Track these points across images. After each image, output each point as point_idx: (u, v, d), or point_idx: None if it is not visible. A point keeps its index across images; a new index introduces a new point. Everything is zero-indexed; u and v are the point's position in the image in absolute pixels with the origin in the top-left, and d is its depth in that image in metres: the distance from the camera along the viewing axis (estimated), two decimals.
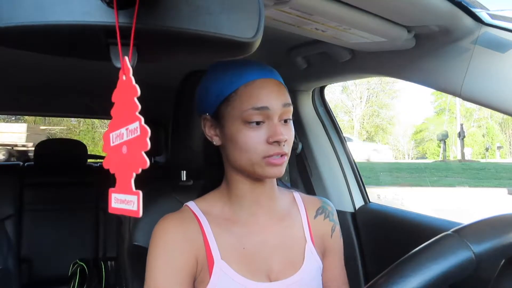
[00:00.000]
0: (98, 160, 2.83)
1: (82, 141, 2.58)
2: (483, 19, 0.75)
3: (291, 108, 0.72)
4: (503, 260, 0.44)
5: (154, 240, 0.71)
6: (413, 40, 0.83)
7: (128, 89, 0.37)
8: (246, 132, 0.68)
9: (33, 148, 5.60)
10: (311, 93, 1.39)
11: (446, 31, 0.76)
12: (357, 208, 1.34)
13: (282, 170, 0.70)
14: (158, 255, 0.70)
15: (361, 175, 1.40)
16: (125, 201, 0.37)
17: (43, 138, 4.75)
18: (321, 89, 1.42)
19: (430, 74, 0.83)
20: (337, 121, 1.44)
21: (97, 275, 1.89)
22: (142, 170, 0.36)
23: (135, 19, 0.35)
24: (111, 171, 0.39)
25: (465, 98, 0.77)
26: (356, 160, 1.41)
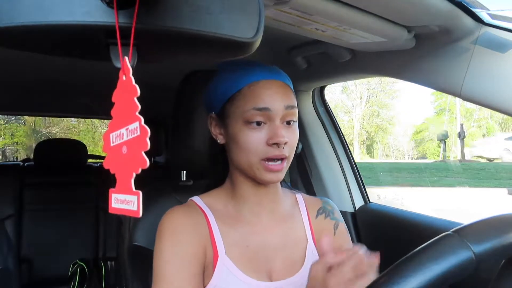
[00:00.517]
0: (98, 160, 2.83)
1: (82, 141, 2.58)
2: (483, 19, 0.75)
3: (295, 110, 0.71)
4: (503, 260, 0.44)
5: (162, 231, 0.71)
6: (413, 40, 0.83)
7: (128, 89, 0.37)
8: (247, 132, 0.69)
9: None
10: (311, 93, 1.39)
11: (446, 31, 0.76)
12: (357, 208, 1.34)
13: (280, 176, 0.70)
14: (167, 246, 0.69)
15: (361, 175, 1.40)
16: (125, 201, 0.37)
17: None
18: (321, 89, 1.42)
19: (430, 74, 0.83)
20: (337, 121, 1.44)
21: (97, 275, 1.89)
22: (142, 170, 0.36)
23: (135, 19, 0.35)
24: (111, 171, 0.39)
25: (465, 98, 0.77)
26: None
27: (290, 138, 0.70)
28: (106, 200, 0.39)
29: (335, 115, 1.45)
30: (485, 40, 0.74)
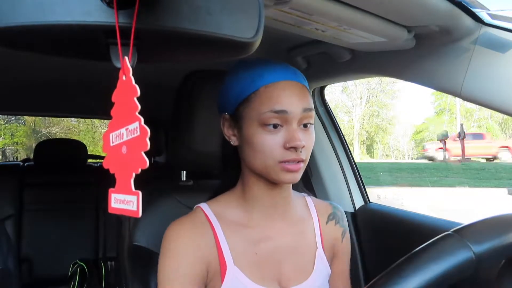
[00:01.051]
0: (98, 160, 2.83)
1: (82, 141, 2.58)
2: (483, 19, 0.74)
3: (313, 113, 0.69)
4: (503, 260, 0.44)
5: (165, 246, 0.69)
6: (413, 40, 0.83)
7: (128, 89, 0.37)
8: (262, 135, 0.66)
9: None
10: (311, 93, 1.39)
11: (446, 31, 0.76)
12: (357, 208, 1.34)
13: (297, 176, 0.68)
14: (168, 263, 0.68)
15: (361, 175, 1.40)
16: (125, 201, 0.37)
17: None
18: (321, 89, 1.42)
19: (430, 74, 0.83)
20: (337, 121, 1.44)
21: (97, 275, 1.89)
22: (142, 170, 0.36)
23: (135, 19, 0.35)
24: (111, 171, 0.39)
25: (465, 98, 0.77)
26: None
27: (307, 141, 0.68)
28: (106, 200, 0.39)
29: (335, 115, 1.45)
30: (485, 40, 0.74)
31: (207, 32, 0.38)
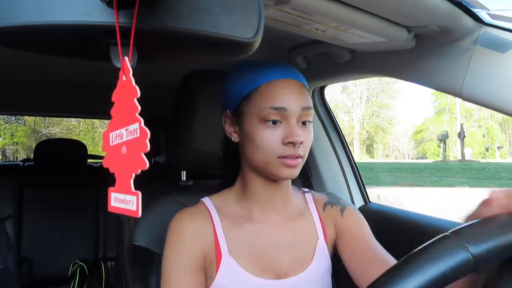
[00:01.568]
0: (98, 160, 2.83)
1: (82, 141, 2.58)
2: (483, 19, 0.75)
3: (311, 111, 0.72)
4: (501, 261, 0.44)
5: (168, 236, 0.74)
6: (413, 40, 0.83)
7: (128, 89, 0.37)
8: (262, 131, 0.69)
9: None
10: (311, 93, 1.39)
11: (446, 31, 0.76)
12: (357, 208, 1.34)
13: (295, 172, 0.70)
14: (172, 252, 0.72)
15: (361, 175, 1.40)
16: (125, 200, 0.37)
17: None
18: (321, 89, 1.43)
19: (430, 74, 0.83)
20: (337, 121, 1.44)
21: (97, 275, 1.89)
22: (142, 170, 0.36)
23: (135, 19, 0.35)
24: (111, 170, 0.39)
25: (465, 98, 0.77)
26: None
27: (306, 138, 0.70)
28: (106, 200, 0.39)
29: (335, 115, 1.45)
30: (485, 40, 0.74)
31: (207, 32, 0.38)
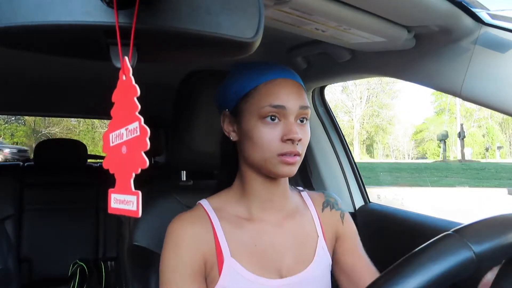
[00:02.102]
0: (98, 160, 2.83)
1: (82, 141, 2.58)
2: (483, 19, 0.75)
3: (309, 110, 0.73)
4: (504, 260, 0.44)
5: (166, 241, 0.73)
6: (413, 40, 0.83)
7: (128, 89, 0.37)
8: (261, 128, 0.69)
9: None
10: (311, 93, 1.39)
11: (446, 31, 0.76)
12: (357, 208, 1.34)
13: (294, 169, 0.71)
14: (170, 257, 0.71)
15: (361, 175, 1.41)
16: (125, 201, 0.37)
17: None
18: (321, 89, 1.42)
19: (430, 74, 0.83)
20: (337, 121, 1.44)
21: (97, 275, 1.89)
22: (142, 170, 0.35)
23: (135, 19, 0.35)
24: (111, 171, 0.39)
25: (465, 98, 0.77)
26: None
27: (303, 136, 0.71)
28: (106, 200, 0.39)
29: (335, 115, 1.45)
30: (485, 40, 0.74)
31: (207, 32, 0.38)
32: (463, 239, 0.41)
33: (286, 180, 0.79)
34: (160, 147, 2.43)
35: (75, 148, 2.32)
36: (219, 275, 0.71)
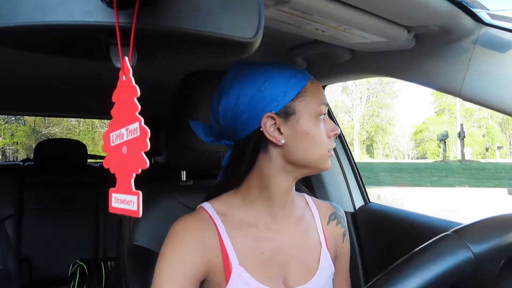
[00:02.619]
0: (98, 160, 2.83)
1: (82, 141, 2.58)
2: (483, 19, 0.75)
3: None
4: (503, 261, 0.44)
5: (168, 237, 0.69)
6: (413, 40, 0.83)
7: (128, 89, 0.37)
8: (319, 126, 0.71)
9: None
10: None
11: (446, 31, 0.76)
12: (357, 208, 1.34)
13: None
14: (168, 262, 0.67)
15: (361, 175, 1.40)
16: (125, 201, 0.37)
17: None
18: None
19: (430, 74, 0.83)
20: (337, 121, 1.44)
21: (97, 275, 1.89)
22: (142, 170, 0.36)
23: (135, 19, 0.35)
24: (111, 171, 0.39)
25: (465, 98, 0.77)
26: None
27: None
28: (106, 200, 0.39)
29: (335, 115, 1.45)
30: (485, 40, 0.74)
31: (207, 32, 0.38)
32: (462, 240, 0.41)
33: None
34: (160, 147, 2.43)
35: (75, 148, 2.32)
36: (226, 283, 0.68)
